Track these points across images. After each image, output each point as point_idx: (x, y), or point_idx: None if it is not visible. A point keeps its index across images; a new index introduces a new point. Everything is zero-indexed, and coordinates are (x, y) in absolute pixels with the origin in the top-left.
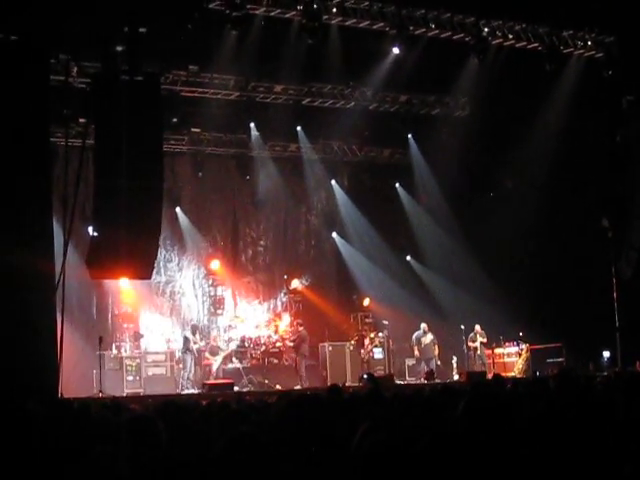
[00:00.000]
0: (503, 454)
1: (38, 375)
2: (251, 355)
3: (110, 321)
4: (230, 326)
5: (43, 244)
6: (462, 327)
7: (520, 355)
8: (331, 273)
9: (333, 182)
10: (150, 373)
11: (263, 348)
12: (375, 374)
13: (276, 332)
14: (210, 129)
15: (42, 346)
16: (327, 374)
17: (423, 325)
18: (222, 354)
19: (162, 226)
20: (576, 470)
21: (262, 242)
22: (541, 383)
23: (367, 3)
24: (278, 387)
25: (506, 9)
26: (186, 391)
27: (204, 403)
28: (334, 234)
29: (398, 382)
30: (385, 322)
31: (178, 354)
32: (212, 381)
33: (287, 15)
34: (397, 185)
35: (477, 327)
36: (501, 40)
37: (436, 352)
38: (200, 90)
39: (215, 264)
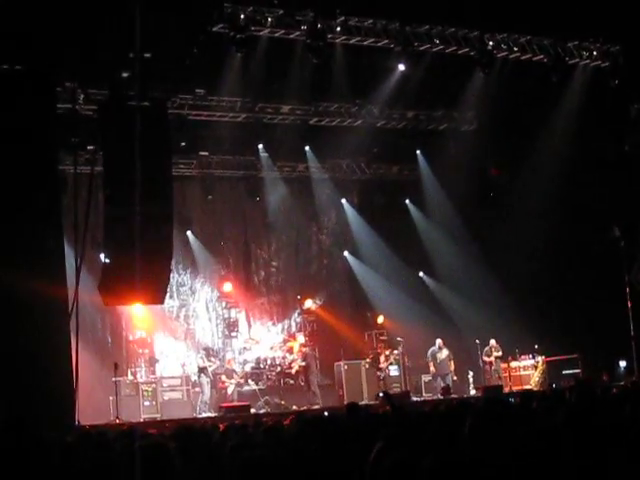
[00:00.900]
0: (511, 469)
1: (55, 403)
2: (267, 376)
3: (125, 347)
4: (245, 348)
5: (56, 271)
6: (477, 341)
7: (536, 368)
8: (344, 292)
9: (343, 200)
10: (166, 398)
11: (278, 369)
12: (391, 391)
13: (291, 353)
14: (218, 152)
15: (58, 373)
16: (344, 393)
17: (438, 341)
18: (237, 377)
19: (174, 250)
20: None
21: (274, 263)
22: (558, 395)
23: (371, 21)
24: (295, 407)
25: (510, 22)
26: (203, 414)
27: (221, 427)
28: (346, 252)
29: (415, 399)
30: (400, 339)
31: (194, 378)
32: (229, 404)
33: (291, 36)
34: (407, 201)
35: (492, 341)
36: (506, 53)
37: (452, 367)
38: (207, 113)
39: (228, 286)
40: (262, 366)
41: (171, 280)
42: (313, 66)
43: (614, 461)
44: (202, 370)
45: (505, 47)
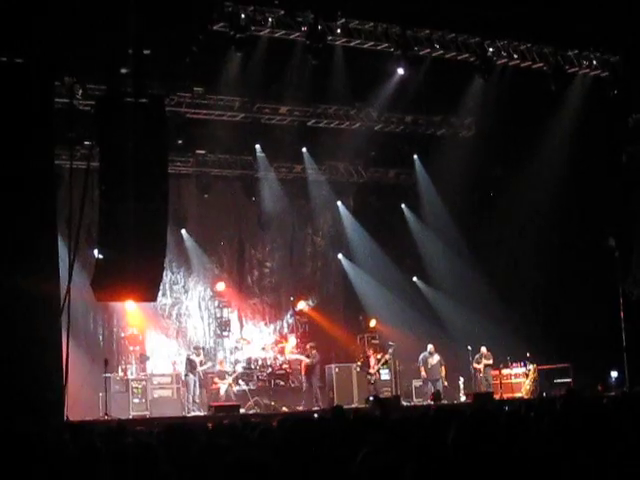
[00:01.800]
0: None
1: (44, 398)
2: (257, 377)
3: (116, 343)
4: (236, 348)
5: (48, 266)
6: (469, 348)
7: (527, 376)
8: (337, 294)
9: (339, 203)
10: (156, 395)
11: (269, 370)
12: (382, 395)
13: (282, 354)
14: (215, 151)
15: (48, 369)
16: (334, 395)
17: (430, 346)
18: (229, 378)
19: (168, 248)
20: None
21: (268, 264)
22: (548, 404)
23: (371, 24)
24: (284, 409)
25: (511, 29)
26: (192, 413)
27: (210, 425)
28: (340, 255)
29: (405, 403)
30: (391, 343)
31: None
32: (218, 403)
33: (291, 36)
34: (403, 206)
35: (483, 349)
36: (506, 60)
37: (443, 373)
38: (205, 112)
39: (221, 286)
40: (253, 366)
41: (164, 278)
42: (312, 67)
43: (600, 468)
44: (190, 370)
45: (505, 54)
